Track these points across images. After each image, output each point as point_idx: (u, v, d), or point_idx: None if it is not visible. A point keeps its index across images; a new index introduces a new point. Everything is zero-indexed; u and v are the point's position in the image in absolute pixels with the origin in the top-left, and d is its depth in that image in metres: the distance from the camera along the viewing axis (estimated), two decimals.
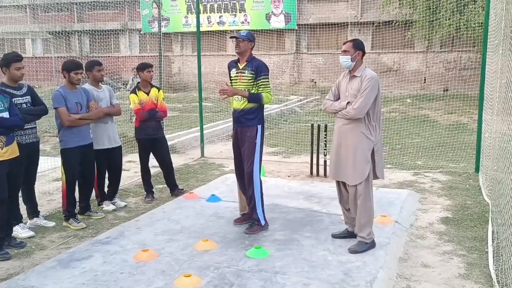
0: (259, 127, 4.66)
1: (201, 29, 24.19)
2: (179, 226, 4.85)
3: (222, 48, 23.21)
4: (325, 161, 6.98)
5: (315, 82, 22.47)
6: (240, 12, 23.10)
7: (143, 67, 5.81)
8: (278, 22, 22.49)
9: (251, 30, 23.39)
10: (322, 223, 4.91)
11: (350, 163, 4.08)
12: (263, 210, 4.76)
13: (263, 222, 4.74)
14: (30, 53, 27.85)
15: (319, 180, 6.87)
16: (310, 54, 22.93)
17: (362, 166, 4.04)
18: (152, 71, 5.86)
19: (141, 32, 25.17)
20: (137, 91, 5.84)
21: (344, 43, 4.16)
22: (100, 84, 5.51)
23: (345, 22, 21.27)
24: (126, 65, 23.40)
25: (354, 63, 4.07)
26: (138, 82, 5.97)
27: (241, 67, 4.67)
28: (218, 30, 23.19)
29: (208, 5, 23.58)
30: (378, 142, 4.12)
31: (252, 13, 22.85)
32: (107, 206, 5.61)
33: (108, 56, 23.38)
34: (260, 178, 4.73)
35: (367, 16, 21.28)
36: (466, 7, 15.38)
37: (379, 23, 19.99)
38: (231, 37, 4.93)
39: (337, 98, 4.23)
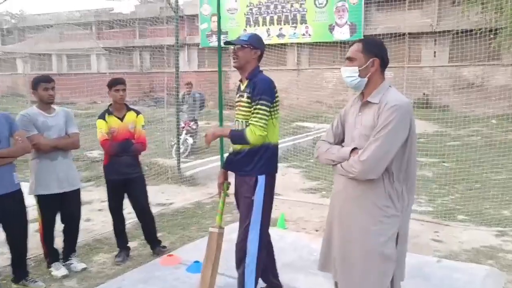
0: (261, 178, 3.09)
1: None
2: None
3: (282, 62, 21.70)
4: None
5: None
6: (301, 24, 21.50)
7: (111, 84, 4.36)
8: (342, 34, 20.56)
9: (313, 42, 21.98)
10: None
11: (356, 261, 2.26)
12: None
13: None
14: (95, 69, 28.27)
15: None
16: None
17: (377, 269, 2.20)
18: (124, 89, 4.38)
19: (199, 47, 24.43)
20: (106, 116, 4.39)
21: (350, 45, 2.40)
22: (52, 106, 4.15)
23: (419, 32, 18.95)
24: (184, 80, 22.70)
25: (366, 79, 2.30)
26: (110, 104, 4.52)
27: (242, 88, 3.21)
28: (277, 44, 21.74)
29: (268, 17, 22.27)
30: (406, 220, 2.29)
31: (314, 24, 21.16)
32: (56, 269, 4.16)
33: (168, 72, 22.85)
34: (258, 254, 3.11)
35: (444, 24, 18.77)
36: None
37: (458, 31, 17.40)
38: (225, 43, 3.32)
39: (341, 138, 2.47)
